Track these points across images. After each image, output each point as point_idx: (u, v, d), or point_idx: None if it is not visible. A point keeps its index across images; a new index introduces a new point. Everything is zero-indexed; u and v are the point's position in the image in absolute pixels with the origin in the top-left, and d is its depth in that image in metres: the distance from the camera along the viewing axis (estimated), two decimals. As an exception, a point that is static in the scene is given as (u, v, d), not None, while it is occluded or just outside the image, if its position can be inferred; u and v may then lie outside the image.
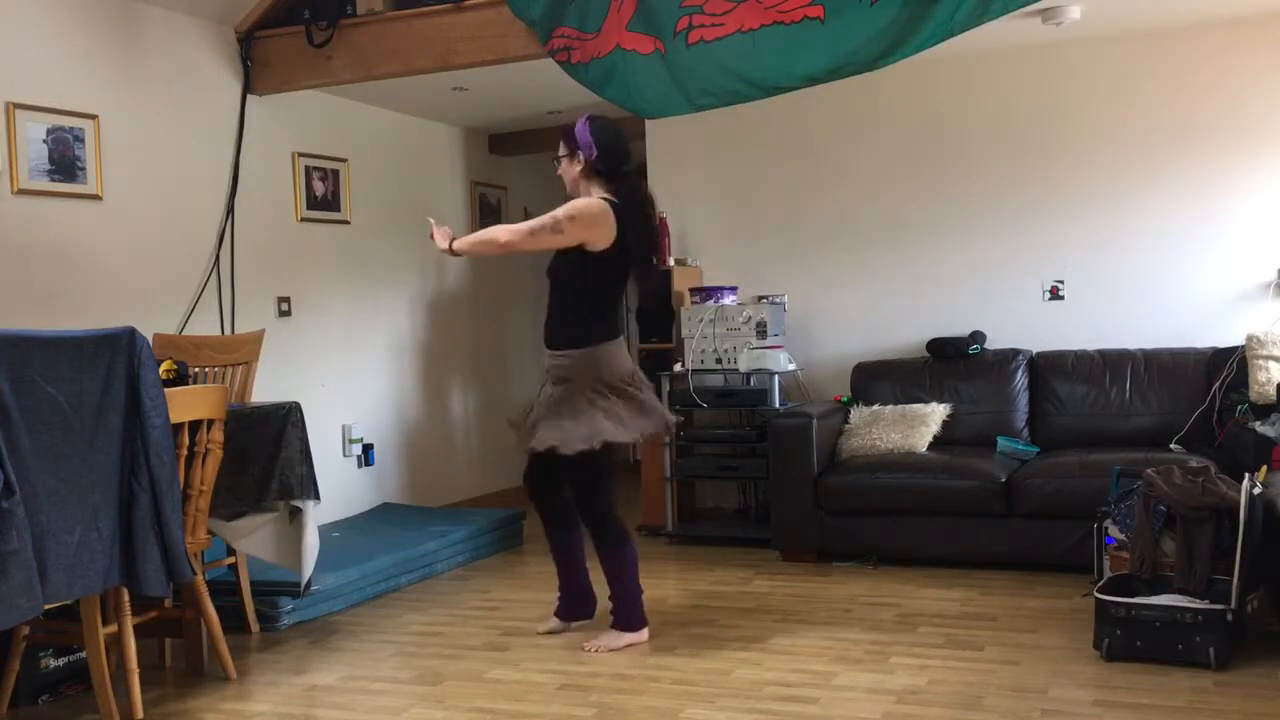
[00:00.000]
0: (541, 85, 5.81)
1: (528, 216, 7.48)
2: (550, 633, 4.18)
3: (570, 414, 3.86)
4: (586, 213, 3.85)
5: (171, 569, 3.34)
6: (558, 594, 4.23)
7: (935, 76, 5.81)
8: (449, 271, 6.91)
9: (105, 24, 4.74)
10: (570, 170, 4.01)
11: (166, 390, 3.37)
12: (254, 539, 4.13)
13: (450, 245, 4.01)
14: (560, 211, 3.85)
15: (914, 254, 5.96)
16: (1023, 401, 5.49)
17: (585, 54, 4.58)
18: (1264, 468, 4.06)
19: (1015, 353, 5.59)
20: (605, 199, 3.90)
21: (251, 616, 4.36)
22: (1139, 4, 5.06)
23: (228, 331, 5.20)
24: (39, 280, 4.43)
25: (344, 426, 6.01)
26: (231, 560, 4.31)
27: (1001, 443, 5.28)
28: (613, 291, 4.01)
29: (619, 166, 3.99)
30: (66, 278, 4.53)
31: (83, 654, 3.50)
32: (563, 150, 4.02)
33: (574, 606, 4.21)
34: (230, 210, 5.31)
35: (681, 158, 6.42)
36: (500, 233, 3.98)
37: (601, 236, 3.85)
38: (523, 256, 6.53)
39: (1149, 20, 5.34)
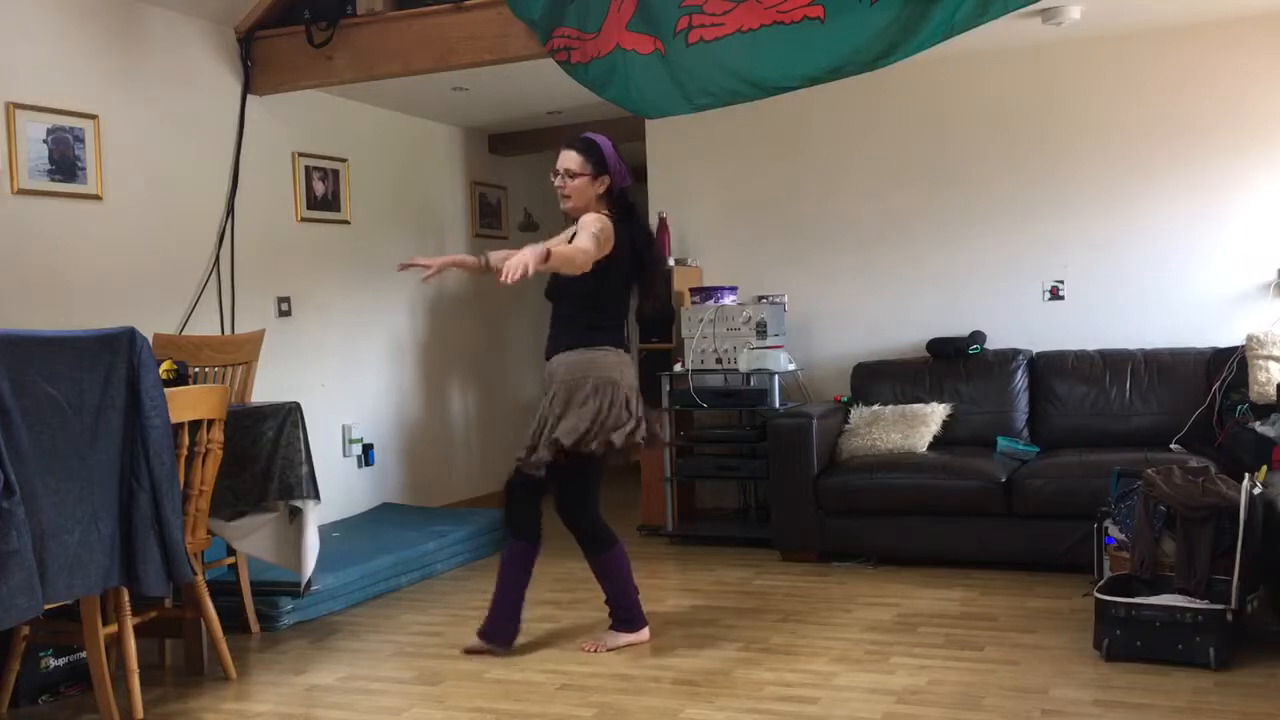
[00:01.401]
0: (541, 85, 5.81)
1: (528, 217, 7.56)
2: (471, 652, 3.98)
3: (561, 413, 3.85)
4: (607, 228, 3.85)
5: (171, 569, 3.34)
6: (488, 613, 4.02)
7: (935, 76, 5.81)
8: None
9: (105, 24, 4.74)
10: (589, 190, 3.89)
11: (166, 390, 3.37)
12: (254, 539, 4.14)
13: (531, 266, 3.51)
14: (594, 228, 3.79)
15: (914, 254, 5.96)
16: (1023, 401, 5.49)
17: (585, 54, 4.58)
18: (1264, 468, 4.07)
19: (1015, 353, 5.59)
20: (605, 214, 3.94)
21: (251, 616, 4.36)
22: (1139, 4, 5.07)
23: (228, 331, 5.20)
24: (39, 280, 4.43)
25: (344, 426, 6.01)
26: (231, 560, 4.31)
27: (1001, 443, 5.28)
28: (618, 298, 3.99)
29: (627, 196, 4.00)
30: (66, 278, 4.53)
31: (83, 654, 3.50)
32: (586, 168, 3.87)
33: (501, 628, 4.01)
34: (230, 210, 5.31)
35: (681, 158, 6.42)
36: (581, 256, 3.70)
37: (609, 248, 3.90)
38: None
39: (1149, 20, 5.34)
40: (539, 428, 3.89)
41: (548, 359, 3.97)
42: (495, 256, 4.06)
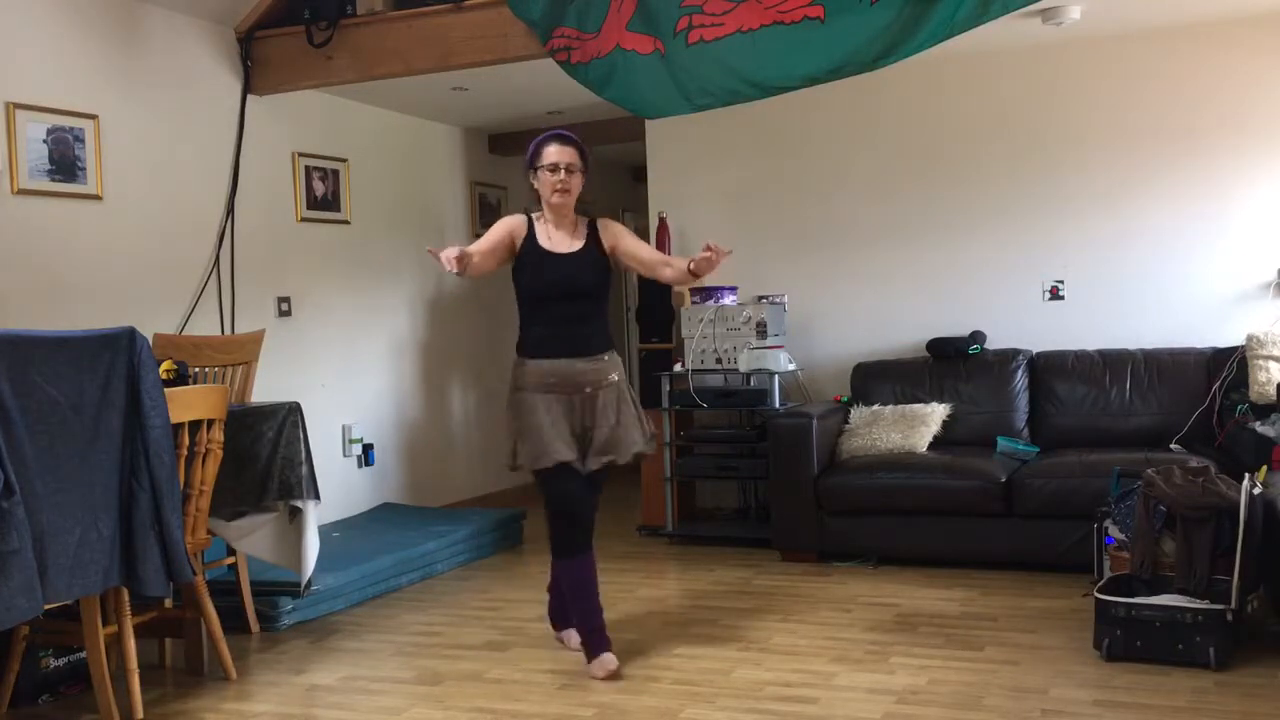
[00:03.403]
0: (541, 85, 5.81)
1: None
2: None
3: (633, 415, 3.89)
4: None
5: (171, 569, 3.35)
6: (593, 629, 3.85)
7: (935, 76, 5.81)
8: (449, 272, 6.90)
9: (105, 24, 4.74)
10: (580, 186, 3.87)
11: (166, 390, 3.37)
12: (254, 539, 4.14)
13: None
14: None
15: (914, 254, 5.96)
16: (1023, 401, 5.49)
17: (585, 54, 4.59)
18: (1264, 468, 4.07)
19: (1015, 353, 5.59)
20: None
21: (251, 616, 4.36)
22: (1139, 4, 5.06)
23: (228, 331, 5.20)
24: (39, 280, 4.43)
25: (344, 426, 6.01)
26: (231, 560, 4.31)
27: (1001, 443, 5.28)
28: None
29: None
30: (66, 278, 4.53)
31: (83, 654, 3.50)
32: (581, 163, 3.84)
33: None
34: (230, 210, 5.31)
35: (681, 158, 6.42)
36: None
37: None
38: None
39: (1149, 20, 5.34)
40: (622, 418, 3.84)
41: (594, 353, 3.82)
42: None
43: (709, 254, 3.68)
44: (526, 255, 3.84)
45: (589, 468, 3.78)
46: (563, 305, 3.83)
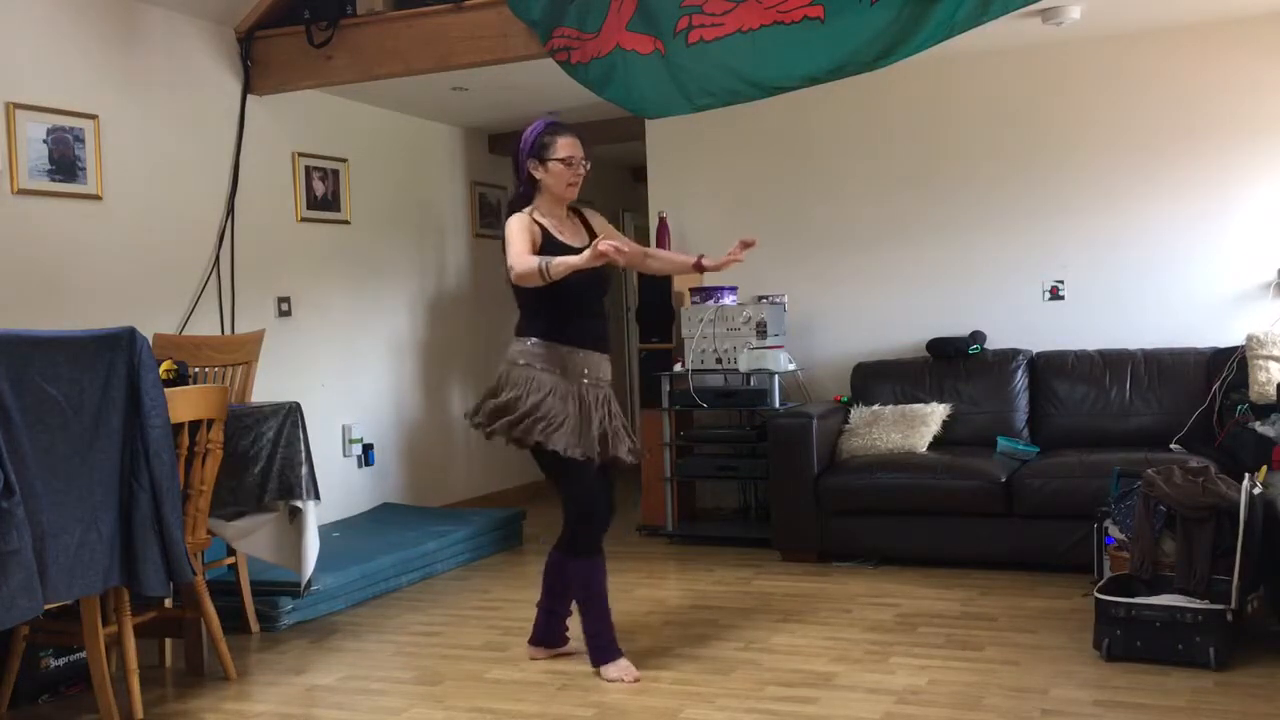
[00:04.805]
0: (541, 85, 5.81)
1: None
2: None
3: (623, 420, 3.84)
4: None
5: (171, 569, 3.35)
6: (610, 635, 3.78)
7: (936, 77, 5.81)
8: (449, 271, 6.92)
9: (105, 24, 4.74)
10: None
11: (166, 390, 3.37)
12: (254, 539, 4.14)
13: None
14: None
15: (914, 254, 5.96)
16: (1023, 401, 5.49)
17: (585, 54, 4.59)
18: (1264, 468, 4.06)
19: (1015, 353, 5.59)
20: None
21: (251, 616, 4.37)
22: (1139, 4, 5.06)
23: (228, 331, 5.20)
24: (39, 280, 4.43)
25: (344, 426, 6.01)
26: (231, 560, 4.31)
27: (1001, 443, 5.28)
28: None
29: None
30: (66, 278, 4.53)
31: (83, 654, 3.50)
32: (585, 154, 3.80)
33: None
34: (230, 210, 5.31)
35: (681, 158, 6.42)
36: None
37: None
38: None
39: (1149, 20, 5.34)
40: (616, 419, 3.78)
41: (605, 351, 3.80)
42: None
43: (737, 257, 3.75)
44: (550, 250, 3.60)
45: (601, 460, 3.70)
46: (588, 297, 3.74)
